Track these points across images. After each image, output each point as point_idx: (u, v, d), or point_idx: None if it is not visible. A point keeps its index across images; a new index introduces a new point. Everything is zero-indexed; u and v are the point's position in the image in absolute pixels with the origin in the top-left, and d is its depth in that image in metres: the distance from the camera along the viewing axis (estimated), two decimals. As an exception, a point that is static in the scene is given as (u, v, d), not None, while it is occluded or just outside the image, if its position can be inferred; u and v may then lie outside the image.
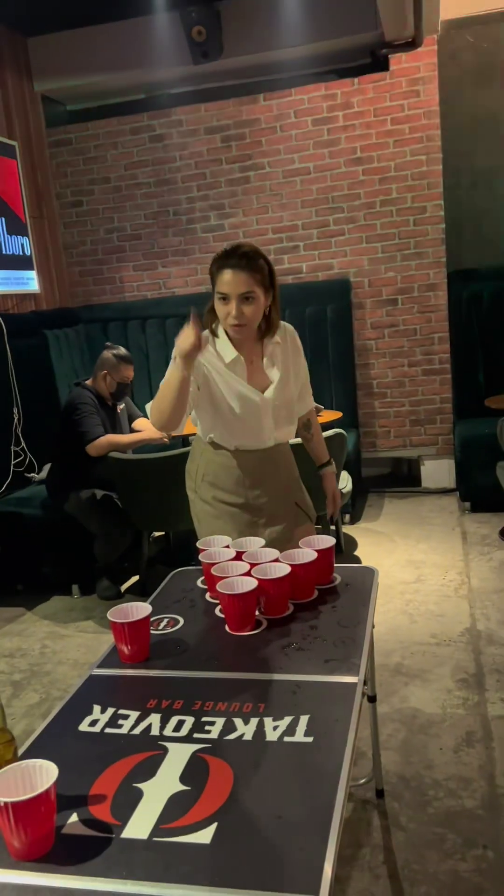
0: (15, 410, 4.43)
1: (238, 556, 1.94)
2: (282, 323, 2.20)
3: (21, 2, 4.54)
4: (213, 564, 1.90)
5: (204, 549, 1.99)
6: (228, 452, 2.20)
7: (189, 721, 1.40)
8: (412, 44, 4.75)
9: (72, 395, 3.88)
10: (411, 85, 4.85)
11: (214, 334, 2.14)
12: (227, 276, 2.01)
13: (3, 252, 4.68)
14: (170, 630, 1.79)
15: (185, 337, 1.91)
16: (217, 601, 1.89)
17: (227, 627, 1.76)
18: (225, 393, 2.13)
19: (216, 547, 2.00)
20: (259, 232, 5.23)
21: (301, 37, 4.69)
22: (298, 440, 2.40)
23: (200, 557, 1.96)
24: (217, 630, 1.77)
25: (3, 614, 3.78)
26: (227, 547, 2.00)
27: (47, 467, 4.29)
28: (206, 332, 2.07)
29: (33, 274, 5.02)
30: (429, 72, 4.81)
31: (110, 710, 1.47)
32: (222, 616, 1.81)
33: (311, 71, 5.13)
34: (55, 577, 4.01)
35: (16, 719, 2.78)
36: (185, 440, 4.30)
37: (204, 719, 1.40)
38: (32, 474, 4.47)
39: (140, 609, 1.66)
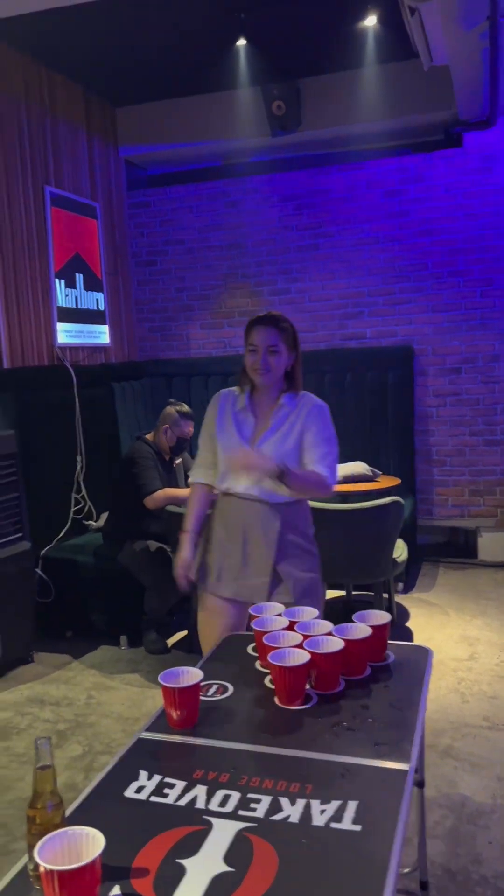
0: (78, 458, 4.55)
1: (291, 626, 1.93)
2: (309, 396, 2.46)
3: (113, 75, 4.83)
4: (265, 633, 1.89)
5: (257, 616, 1.99)
6: (222, 496, 2.47)
7: (235, 796, 1.38)
8: (486, 122, 4.85)
9: (133, 448, 3.97)
10: (483, 162, 4.94)
11: (242, 389, 2.49)
12: (257, 331, 2.39)
13: (79, 307, 4.88)
14: (219, 697, 1.78)
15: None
16: (267, 671, 1.89)
17: (276, 699, 1.75)
18: (224, 437, 2.44)
19: (268, 614, 2.00)
20: (325, 297, 5.33)
21: (377, 113, 4.84)
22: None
23: (252, 624, 1.96)
24: (266, 701, 1.76)
25: (52, 661, 3.81)
26: (280, 615, 2.00)
27: (104, 516, 4.37)
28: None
29: (105, 328, 5.21)
30: (501, 149, 4.89)
31: (157, 778, 1.46)
32: (272, 687, 1.79)
33: (384, 145, 5.27)
34: (104, 626, 4.04)
35: (57, 770, 2.77)
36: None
37: (250, 796, 1.39)
38: (90, 522, 4.56)
39: (191, 674, 1.66)
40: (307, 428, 2.41)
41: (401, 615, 4.24)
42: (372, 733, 1.60)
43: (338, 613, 4.23)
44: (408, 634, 3.97)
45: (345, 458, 4.63)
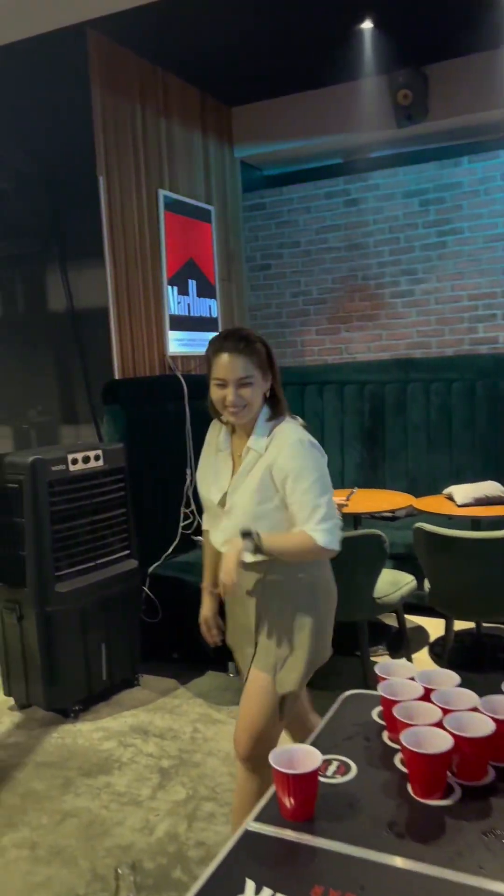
0: (188, 471, 4.39)
1: (426, 695, 1.62)
2: (285, 430, 2.00)
3: (228, 74, 4.65)
4: (395, 702, 1.60)
5: (384, 678, 1.69)
6: None
7: (363, 934, 1.10)
8: None
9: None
10: None
11: (222, 422, 2.10)
12: (223, 360, 1.94)
13: (192, 314, 4.73)
14: (339, 779, 1.50)
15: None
16: (397, 746, 1.59)
17: (409, 788, 1.45)
18: (203, 483, 2.14)
19: (399, 678, 1.70)
20: (453, 298, 4.93)
21: (515, 96, 4.40)
22: None
23: (379, 689, 1.66)
24: (397, 789, 1.46)
25: (158, 685, 3.65)
26: (413, 679, 1.69)
27: (214, 532, 4.18)
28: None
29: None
30: None
31: (266, 893, 1.20)
32: (403, 769, 1.50)
33: (521, 132, 4.82)
34: (211, 650, 3.82)
35: (160, 816, 2.58)
36: (356, 519, 4.03)
37: (381, 934, 1.10)
38: (199, 538, 4.38)
39: (309, 756, 1.39)
40: (284, 473, 1.95)
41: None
42: (535, 850, 1.28)
43: (466, 649, 3.84)
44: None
45: (476, 478, 4.23)
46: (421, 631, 4.09)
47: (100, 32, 3.91)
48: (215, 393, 1.98)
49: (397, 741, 1.53)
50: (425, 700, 1.59)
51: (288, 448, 1.96)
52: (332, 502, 2.01)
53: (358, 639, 3.47)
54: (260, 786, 2.05)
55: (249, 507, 1.99)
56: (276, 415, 2.03)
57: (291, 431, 2.00)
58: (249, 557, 1.99)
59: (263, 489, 1.98)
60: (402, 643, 3.73)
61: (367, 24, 3.94)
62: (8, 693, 3.46)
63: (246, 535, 1.93)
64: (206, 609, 2.28)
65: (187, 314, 4.70)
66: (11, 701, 3.47)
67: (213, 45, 4.21)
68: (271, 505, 1.99)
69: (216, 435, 2.13)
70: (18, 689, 3.41)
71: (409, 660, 3.64)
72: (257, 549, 1.94)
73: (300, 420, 3.75)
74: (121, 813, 2.60)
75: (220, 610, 2.31)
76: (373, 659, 3.61)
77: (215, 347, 1.97)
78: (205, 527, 2.26)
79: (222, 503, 2.05)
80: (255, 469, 1.99)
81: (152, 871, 2.28)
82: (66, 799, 2.71)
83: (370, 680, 3.32)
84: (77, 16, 3.17)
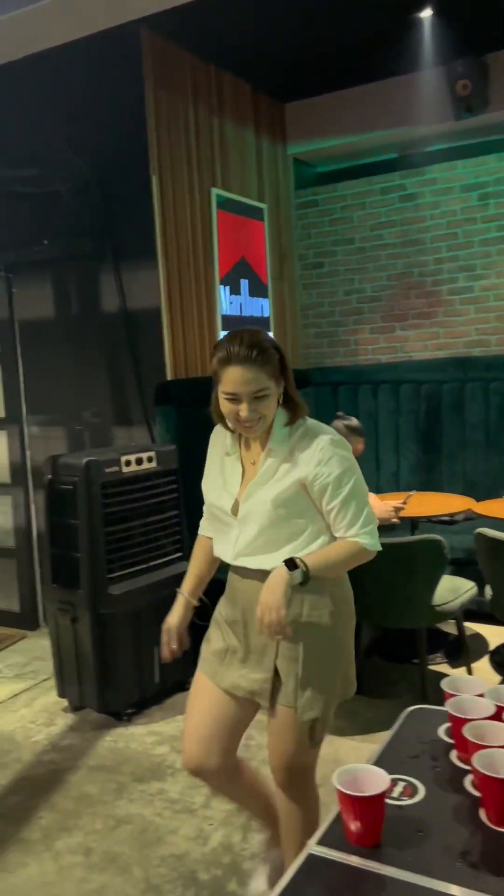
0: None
1: (498, 713, 1.53)
2: (311, 431, 1.85)
3: (281, 70, 4.59)
4: (465, 721, 1.51)
5: (452, 695, 1.60)
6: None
7: None
8: None
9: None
10: None
11: (227, 427, 1.94)
12: (234, 373, 1.76)
13: (243, 314, 4.68)
14: (406, 801, 1.42)
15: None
16: (467, 766, 1.50)
17: (482, 814, 1.36)
18: (210, 487, 1.98)
19: (468, 694, 1.61)
20: (513, 295, 4.77)
21: None
22: None
23: (447, 707, 1.57)
24: (468, 815, 1.37)
25: (210, 689, 3.60)
26: (482, 696, 1.60)
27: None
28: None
29: (269, 336, 4.97)
30: None
31: (332, 924, 1.13)
32: (475, 793, 1.41)
33: None
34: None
35: (214, 825, 2.53)
36: (414, 523, 3.91)
37: None
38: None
39: (376, 778, 1.32)
40: (322, 482, 1.81)
41: None
42: None
43: (529, 660, 3.70)
44: None
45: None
46: (480, 639, 3.95)
47: (153, 30, 3.89)
48: (225, 406, 1.82)
49: (468, 762, 1.45)
50: (496, 719, 1.50)
51: (320, 453, 1.82)
52: (369, 503, 1.90)
53: (416, 647, 3.37)
54: (302, 815, 1.97)
55: (268, 516, 1.84)
56: (293, 419, 1.87)
57: (320, 434, 1.85)
58: (297, 605, 1.85)
59: (288, 499, 1.84)
60: (461, 652, 3.61)
61: (427, 13, 3.82)
62: (62, 695, 3.47)
63: (291, 565, 1.79)
64: (175, 617, 2.05)
65: (239, 314, 4.65)
66: (65, 702, 3.48)
67: (267, 41, 4.15)
68: (291, 514, 1.85)
69: (222, 439, 1.99)
70: (72, 691, 3.41)
71: (469, 669, 3.52)
72: (305, 578, 1.80)
73: (354, 420, 3.68)
74: (174, 821, 2.56)
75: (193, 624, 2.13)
76: (430, 668, 3.50)
77: (223, 356, 1.77)
78: (202, 532, 2.10)
79: (234, 511, 1.90)
80: (277, 475, 1.85)
81: (207, 883, 2.24)
82: (120, 804, 2.69)
83: (429, 691, 3.22)
84: (130, 14, 3.14)
